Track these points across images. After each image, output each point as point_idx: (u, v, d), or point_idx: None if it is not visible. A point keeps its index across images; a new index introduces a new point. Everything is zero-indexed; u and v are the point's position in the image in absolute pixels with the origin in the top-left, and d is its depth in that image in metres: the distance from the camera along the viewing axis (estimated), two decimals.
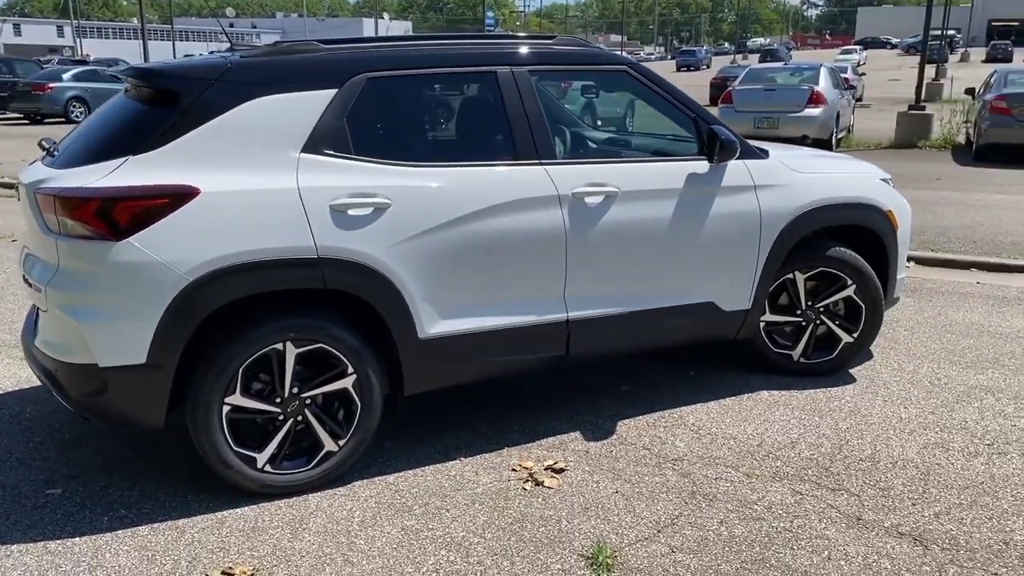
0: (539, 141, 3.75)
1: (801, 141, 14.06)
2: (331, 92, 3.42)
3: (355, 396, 3.47)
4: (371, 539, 3.13)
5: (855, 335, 4.60)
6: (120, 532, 3.16)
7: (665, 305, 4.08)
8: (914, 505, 3.34)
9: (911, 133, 15.70)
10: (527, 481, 3.54)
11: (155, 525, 3.21)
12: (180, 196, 3.10)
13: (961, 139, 15.72)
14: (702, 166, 4.07)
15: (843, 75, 25.34)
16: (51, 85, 22.72)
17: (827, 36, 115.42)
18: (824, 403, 4.31)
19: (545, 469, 3.65)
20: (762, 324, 4.55)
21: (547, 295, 3.79)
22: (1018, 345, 5.19)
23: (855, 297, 4.55)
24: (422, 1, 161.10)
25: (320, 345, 3.36)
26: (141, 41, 68.29)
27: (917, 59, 43.59)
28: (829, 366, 4.65)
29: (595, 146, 4.58)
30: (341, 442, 3.48)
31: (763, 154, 4.36)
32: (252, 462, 3.34)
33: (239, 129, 3.27)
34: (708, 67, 50.16)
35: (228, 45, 3.98)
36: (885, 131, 16.68)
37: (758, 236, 4.22)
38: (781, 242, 4.29)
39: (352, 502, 3.39)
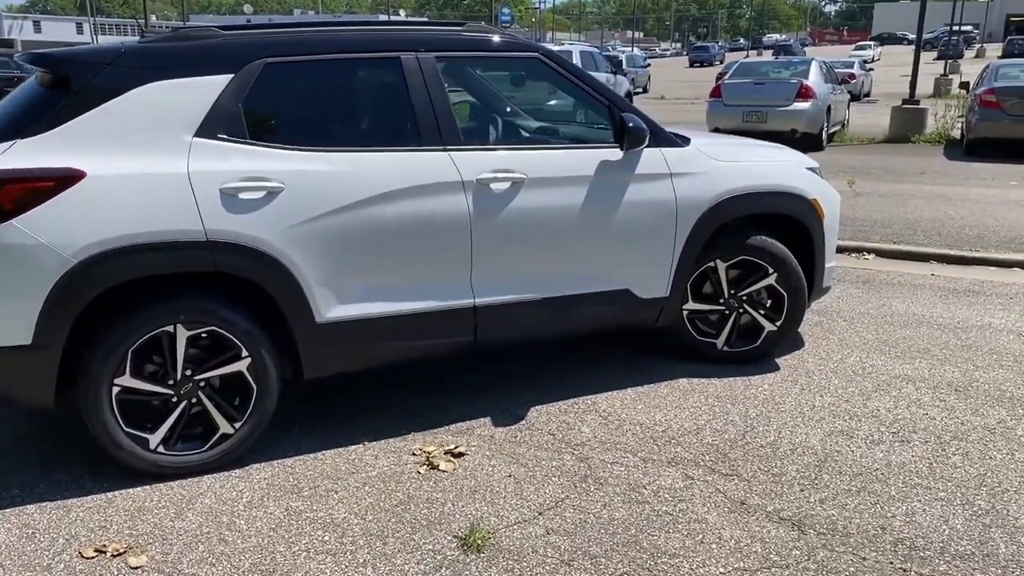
0: (444, 127, 3.77)
1: (790, 135, 14.01)
2: (227, 77, 3.45)
3: (250, 379, 3.50)
4: (252, 519, 3.16)
5: (778, 324, 4.59)
6: (7, 511, 3.22)
7: (578, 292, 4.09)
8: (802, 491, 3.33)
9: (905, 128, 15.57)
10: (423, 465, 3.57)
11: (43, 504, 3.26)
12: (65, 179, 3.14)
13: (956, 134, 15.58)
14: (616, 154, 4.07)
15: (847, 70, 25.27)
16: None
17: (844, 32, 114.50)
18: (741, 391, 4.31)
19: (445, 453, 3.67)
20: (685, 312, 4.55)
21: (453, 281, 3.81)
22: (953, 336, 5.16)
23: (777, 286, 4.54)
24: None
25: (212, 328, 3.40)
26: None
27: (933, 55, 43.47)
28: (753, 354, 4.64)
29: (508, 133, 4.59)
30: (237, 425, 3.51)
31: (682, 142, 4.35)
32: (144, 443, 3.38)
33: (131, 113, 3.31)
34: (721, 63, 49.97)
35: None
36: (883, 126, 16.54)
37: (674, 224, 4.22)
38: (699, 230, 4.28)
39: (244, 483, 3.43)
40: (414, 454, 3.67)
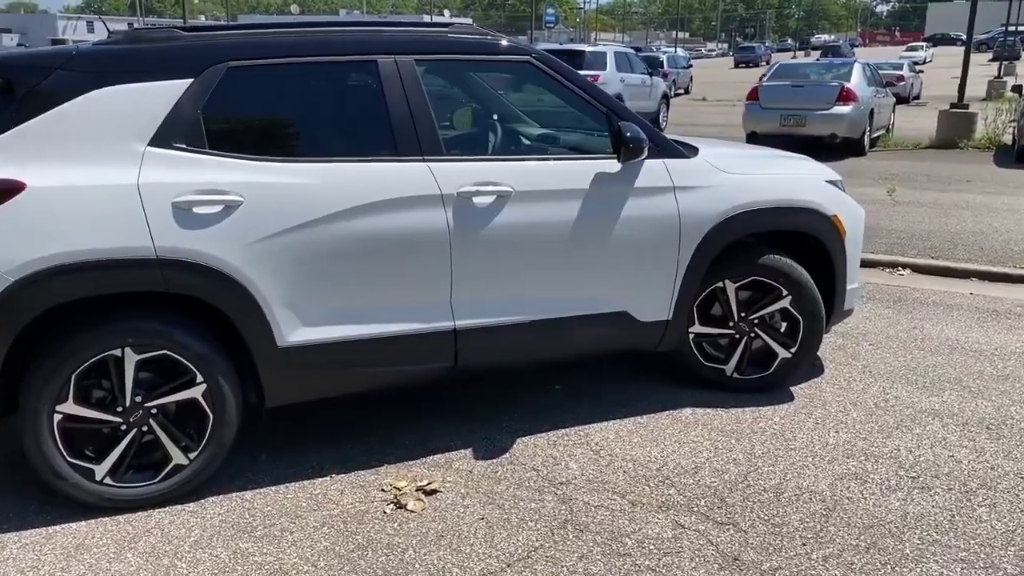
0: (423, 135, 3.49)
1: (830, 140, 13.51)
2: (186, 82, 3.20)
3: (206, 407, 3.25)
4: (195, 563, 2.91)
5: (792, 350, 4.23)
6: None
7: (570, 314, 3.78)
8: (804, 545, 2.99)
9: (953, 132, 14.94)
10: (391, 503, 3.29)
11: None
12: (2, 191, 2.92)
13: (1008, 139, 14.91)
14: (613, 165, 3.75)
15: (895, 72, 24.50)
16: None
17: (896, 33, 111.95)
18: (748, 424, 3.96)
19: (416, 490, 3.38)
20: (691, 335, 4.21)
21: (430, 302, 3.53)
22: (989, 364, 4.74)
23: (791, 309, 4.18)
24: None
25: (164, 352, 3.15)
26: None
27: (987, 56, 42.07)
28: (765, 383, 4.28)
29: (496, 142, 4.29)
30: (192, 455, 3.27)
31: (689, 152, 4.02)
32: (90, 474, 3.15)
33: (79, 121, 3.08)
34: (768, 63, 49.03)
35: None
36: (930, 131, 15.90)
37: (677, 241, 3.89)
38: (705, 248, 3.94)
39: (195, 519, 3.18)
40: (383, 489, 3.40)
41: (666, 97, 19.11)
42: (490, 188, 3.53)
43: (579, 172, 3.72)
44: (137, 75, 3.17)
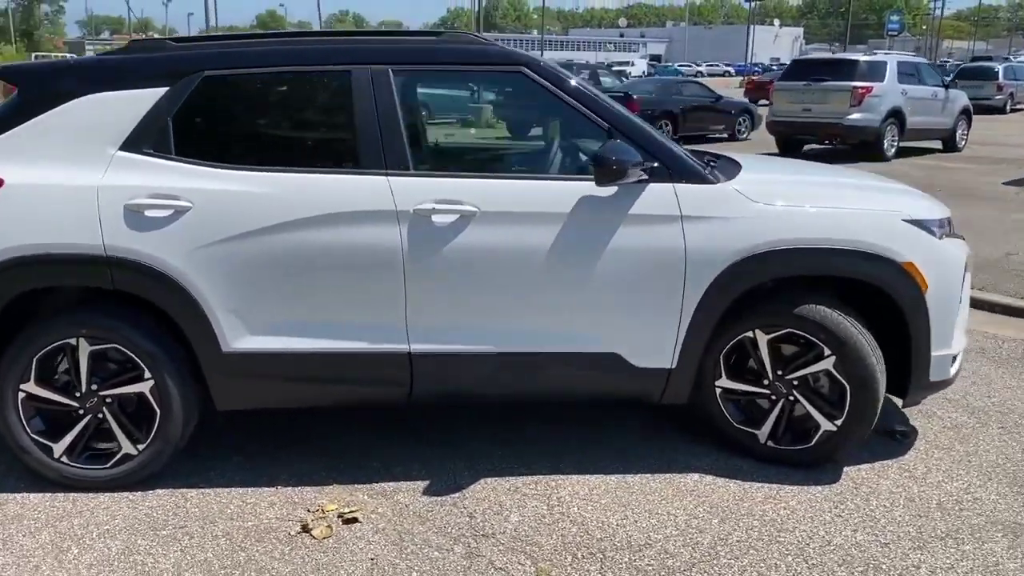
0: (389, 149, 3.34)
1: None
2: (161, 91, 3.34)
3: (153, 402, 3.37)
4: (86, 550, 3.03)
5: (838, 422, 3.48)
6: None
7: (546, 350, 3.42)
8: None
9: None
10: (299, 526, 3.18)
11: None
12: None
13: None
14: (607, 189, 3.33)
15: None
16: None
17: None
18: (752, 503, 3.32)
19: (338, 516, 3.25)
20: (719, 391, 3.62)
21: (382, 322, 3.37)
22: None
23: (835, 372, 3.43)
24: (822, 6, 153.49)
25: (114, 345, 3.32)
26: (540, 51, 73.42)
27: None
28: (806, 456, 3.57)
29: (471, 158, 3.96)
30: (140, 447, 3.41)
31: (720, 176, 3.47)
32: (49, 451, 3.40)
33: (62, 126, 3.33)
34: None
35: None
36: None
37: (681, 279, 3.36)
38: (720, 289, 3.37)
39: (125, 508, 3.30)
40: (309, 510, 3.30)
41: (967, 113, 16.79)
42: (451, 207, 3.29)
43: (559, 193, 3.35)
44: (118, 84, 3.36)
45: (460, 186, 3.35)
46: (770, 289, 3.48)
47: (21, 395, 3.35)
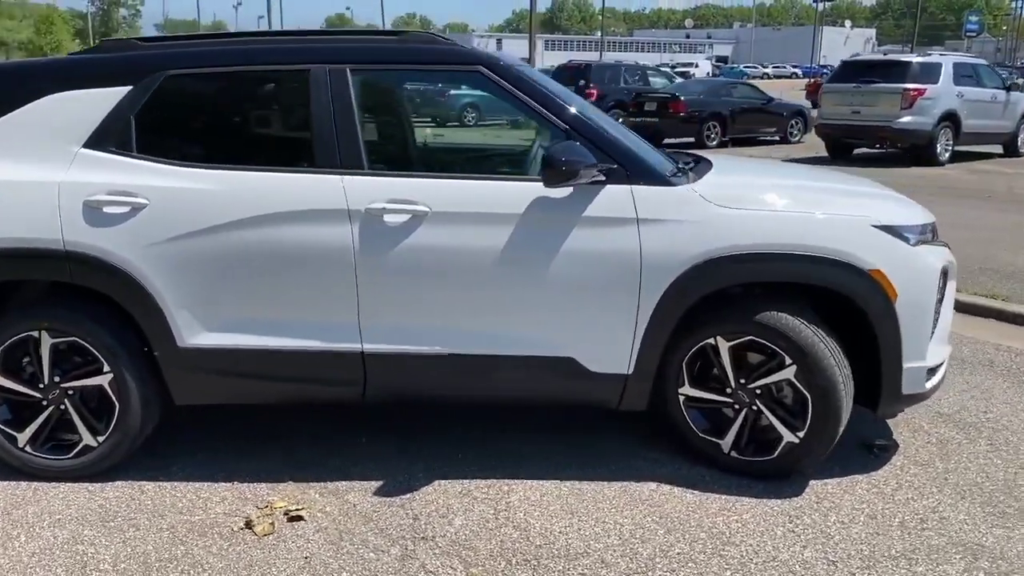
0: (344, 148, 3.34)
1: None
2: (124, 89, 3.40)
3: (112, 395, 3.43)
4: (33, 538, 3.10)
5: (800, 434, 3.36)
6: None
7: (500, 353, 3.38)
8: None
9: None
10: (243, 523, 3.20)
11: None
12: None
13: None
14: (561, 190, 3.27)
15: None
16: (450, 92, 25.41)
17: None
18: (704, 515, 3.22)
19: (284, 514, 3.26)
20: (682, 398, 3.53)
21: (335, 321, 3.37)
22: None
23: (796, 383, 3.32)
24: (897, 7, 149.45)
25: (74, 339, 3.39)
26: (599, 52, 73.14)
27: None
28: (769, 468, 3.45)
29: (428, 158, 3.92)
30: (100, 438, 3.47)
31: (683, 178, 3.38)
32: (13, 440, 3.48)
33: (30, 124, 3.41)
34: None
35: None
36: None
37: (637, 284, 3.29)
38: (677, 295, 3.29)
39: (80, 498, 3.37)
40: (258, 507, 3.32)
41: None
42: (403, 206, 3.28)
43: (513, 194, 3.31)
44: (84, 82, 3.43)
45: (413, 186, 3.33)
46: (732, 295, 3.38)
47: None
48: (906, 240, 3.36)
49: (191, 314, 3.36)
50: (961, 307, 5.88)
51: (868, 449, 3.75)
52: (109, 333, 3.39)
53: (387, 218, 3.29)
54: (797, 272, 3.30)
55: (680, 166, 3.66)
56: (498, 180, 3.40)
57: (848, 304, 3.33)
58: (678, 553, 2.98)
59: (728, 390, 3.46)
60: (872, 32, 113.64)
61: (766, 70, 79.49)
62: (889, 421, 4.04)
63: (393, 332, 3.38)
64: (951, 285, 3.62)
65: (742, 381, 3.42)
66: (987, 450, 3.78)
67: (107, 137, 3.38)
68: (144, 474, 3.55)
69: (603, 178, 3.29)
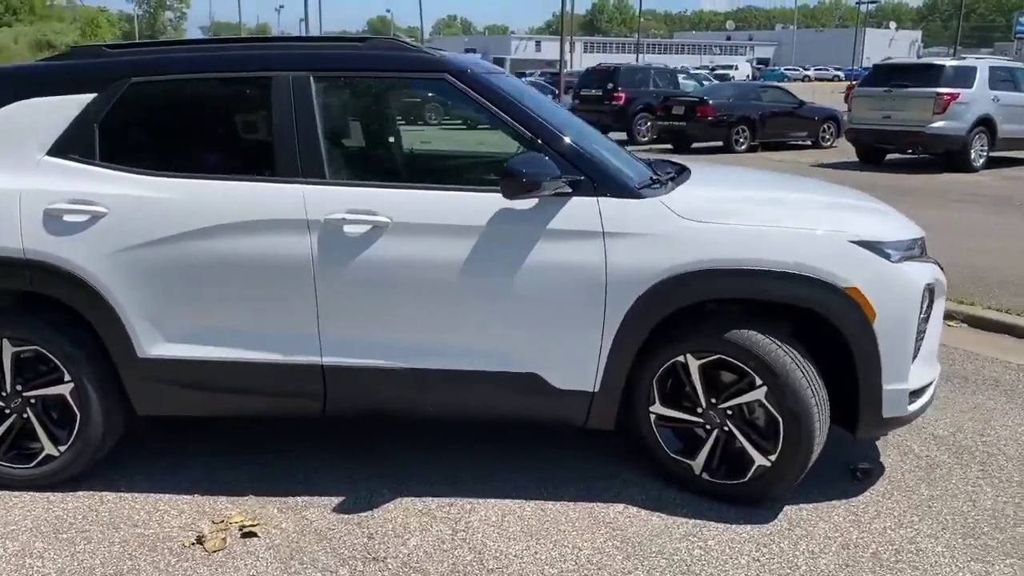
0: (305, 156, 3.28)
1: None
2: (89, 96, 3.37)
3: (73, 405, 3.40)
4: None
5: (772, 458, 3.22)
6: None
7: (463, 368, 3.29)
8: None
9: None
10: (193, 538, 3.14)
11: None
12: None
13: None
14: (525, 202, 3.18)
15: None
16: None
17: None
18: (665, 542, 3.10)
19: (239, 528, 3.20)
20: (653, 417, 3.42)
21: (295, 333, 3.31)
22: None
23: (767, 404, 3.18)
24: (945, 8, 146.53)
25: (35, 347, 3.36)
26: (636, 55, 72.67)
27: None
28: (740, 492, 3.32)
29: (392, 167, 3.82)
30: (61, 448, 3.44)
31: (642, 190, 3.26)
32: None
33: None
34: None
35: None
36: None
37: (602, 299, 3.18)
38: (642, 311, 3.17)
39: (38, 509, 3.34)
40: (214, 521, 3.26)
41: None
42: (364, 217, 3.21)
43: (475, 205, 3.21)
44: (50, 90, 3.41)
45: (373, 196, 3.26)
46: (702, 311, 3.26)
47: None
48: (887, 256, 3.21)
49: (151, 324, 3.32)
50: (971, 322, 5.71)
51: (851, 473, 3.60)
52: (69, 342, 3.36)
53: (347, 229, 3.22)
54: (767, 289, 3.16)
55: (657, 177, 3.54)
56: (462, 191, 3.31)
57: (824, 323, 3.19)
58: None
59: (699, 410, 3.33)
60: (918, 34, 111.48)
61: (807, 72, 78.52)
62: (878, 443, 3.88)
63: (353, 345, 3.31)
64: (939, 304, 3.46)
65: (713, 401, 3.30)
66: (978, 476, 3.61)
67: (71, 145, 3.35)
68: (107, 485, 3.52)
69: (569, 190, 3.19)
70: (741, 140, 17.65)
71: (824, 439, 3.26)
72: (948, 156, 14.12)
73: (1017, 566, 2.95)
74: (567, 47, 56.83)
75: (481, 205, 3.21)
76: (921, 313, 3.27)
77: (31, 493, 3.45)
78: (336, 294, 3.25)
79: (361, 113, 3.88)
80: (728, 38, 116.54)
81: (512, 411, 3.43)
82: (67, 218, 3.27)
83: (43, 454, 3.45)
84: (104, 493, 3.47)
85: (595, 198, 3.20)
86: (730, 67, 77.46)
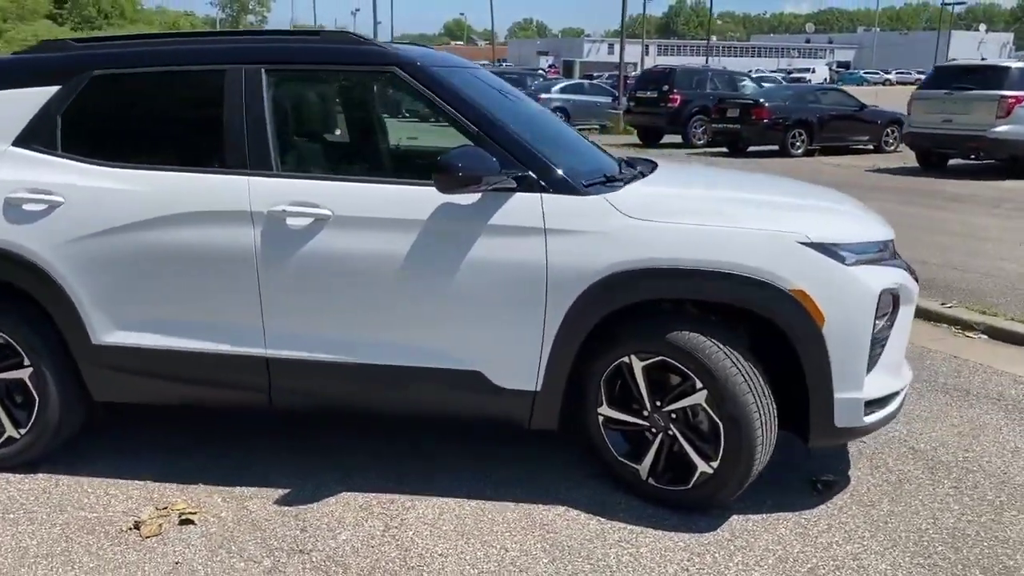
0: (254, 149, 3.31)
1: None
2: (53, 89, 3.46)
3: (32, 389, 3.49)
4: None
5: (714, 465, 3.11)
6: None
7: (407, 364, 3.27)
8: None
9: None
10: (132, 522, 3.19)
11: None
12: None
13: None
14: (467, 196, 3.14)
15: None
16: (540, 96, 25.30)
17: None
18: (593, 546, 3.02)
19: (179, 515, 3.24)
20: (600, 419, 3.34)
21: (239, 325, 3.34)
22: None
23: (707, 409, 3.07)
24: None
25: None
26: (705, 58, 71.87)
27: None
28: (683, 499, 3.22)
29: (338, 159, 3.80)
30: (22, 431, 3.54)
31: (586, 187, 3.18)
32: None
33: None
34: None
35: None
36: None
37: (542, 297, 3.12)
38: (583, 310, 3.10)
39: None
40: (158, 508, 3.30)
41: None
42: (306, 209, 3.21)
43: (417, 200, 3.19)
44: (19, 81, 3.51)
45: (316, 188, 3.26)
46: (647, 312, 3.17)
47: None
48: (840, 259, 3.06)
49: (104, 312, 3.39)
50: (991, 333, 5.46)
51: (811, 485, 3.45)
52: (27, 327, 3.45)
53: (289, 221, 3.23)
54: (708, 290, 3.06)
55: (611, 174, 3.46)
56: (405, 184, 3.28)
57: (772, 327, 3.07)
58: None
59: (645, 413, 3.24)
60: (1009, 36, 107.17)
61: (888, 76, 76.39)
62: (850, 455, 3.72)
63: (296, 338, 3.32)
64: (905, 310, 3.29)
65: (658, 404, 3.20)
66: (949, 494, 3.42)
67: (34, 135, 3.45)
68: (67, 469, 3.60)
69: (513, 185, 3.14)
70: (797, 144, 17.22)
71: (771, 447, 3.14)
72: (1012, 162, 13.51)
73: None
74: (640, 50, 56.49)
75: (423, 199, 3.18)
76: (879, 319, 3.11)
77: None
78: (279, 287, 3.27)
79: (311, 106, 3.89)
80: (807, 41, 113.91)
81: (457, 409, 3.39)
82: (26, 207, 3.36)
83: (5, 435, 3.55)
84: (61, 477, 3.54)
85: (539, 194, 3.14)
86: (807, 70, 75.80)
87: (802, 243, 3.04)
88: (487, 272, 3.14)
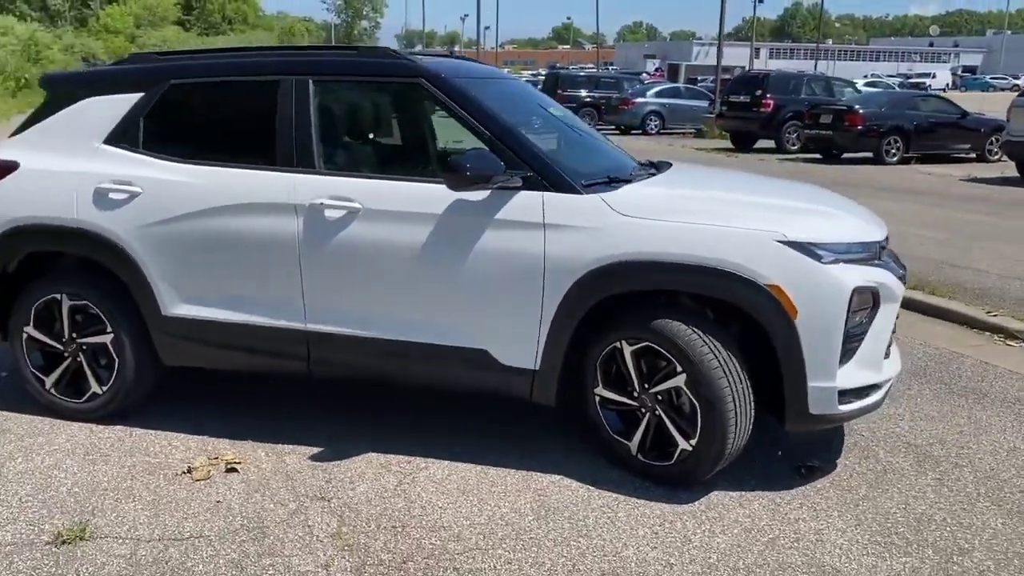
0: (300, 149, 3.80)
1: None
2: (138, 95, 4.04)
3: (112, 352, 4.08)
4: (20, 462, 3.76)
5: (693, 442, 3.40)
6: None
7: (423, 341, 3.70)
8: None
9: None
10: (187, 468, 3.71)
11: None
12: (6, 168, 4.11)
13: None
14: (476, 193, 3.54)
15: None
16: (635, 100, 25.50)
17: None
18: (584, 512, 3.36)
19: (225, 463, 3.75)
20: (597, 398, 3.68)
21: (284, 301, 3.83)
22: None
23: (686, 391, 3.37)
24: None
25: (85, 303, 4.06)
26: (815, 62, 69.73)
27: None
28: (666, 474, 3.53)
29: (371, 160, 4.22)
30: (104, 387, 4.13)
31: (583, 187, 3.53)
32: (42, 383, 4.21)
33: (67, 123, 4.13)
34: None
35: None
36: None
37: (540, 285, 3.49)
38: (576, 298, 3.46)
39: (83, 434, 4.03)
40: (209, 457, 3.83)
41: None
42: (341, 203, 3.68)
43: (433, 195, 3.60)
44: (108, 89, 4.11)
45: (350, 184, 3.72)
46: (639, 301, 3.50)
47: (24, 336, 4.19)
48: (817, 257, 3.31)
49: (171, 287, 3.94)
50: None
51: (795, 469, 3.70)
52: (109, 299, 4.03)
53: (327, 212, 3.69)
54: (691, 283, 3.36)
55: (616, 175, 3.78)
56: (425, 182, 3.71)
57: (750, 318, 3.35)
58: (530, 537, 3.16)
59: (635, 394, 3.56)
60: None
61: (1017, 81, 72.67)
62: (845, 446, 3.93)
63: (331, 314, 3.78)
64: (887, 308, 3.50)
65: (645, 386, 3.52)
66: (929, 484, 3.60)
67: (122, 135, 4.03)
68: (143, 422, 4.17)
69: (519, 183, 3.52)
70: (892, 151, 16.89)
71: (747, 429, 3.41)
72: None
73: (910, 565, 3.00)
74: (750, 52, 55.66)
75: (440, 195, 3.59)
76: (853, 314, 3.34)
77: (79, 424, 4.15)
78: (316, 268, 3.74)
79: (348, 113, 4.36)
80: (931, 44, 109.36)
81: (466, 383, 3.79)
82: (112, 196, 3.94)
83: (91, 391, 4.15)
84: (134, 428, 4.12)
85: (541, 193, 3.51)
86: (927, 75, 72.94)
87: (780, 242, 3.31)
88: (492, 260, 3.53)
